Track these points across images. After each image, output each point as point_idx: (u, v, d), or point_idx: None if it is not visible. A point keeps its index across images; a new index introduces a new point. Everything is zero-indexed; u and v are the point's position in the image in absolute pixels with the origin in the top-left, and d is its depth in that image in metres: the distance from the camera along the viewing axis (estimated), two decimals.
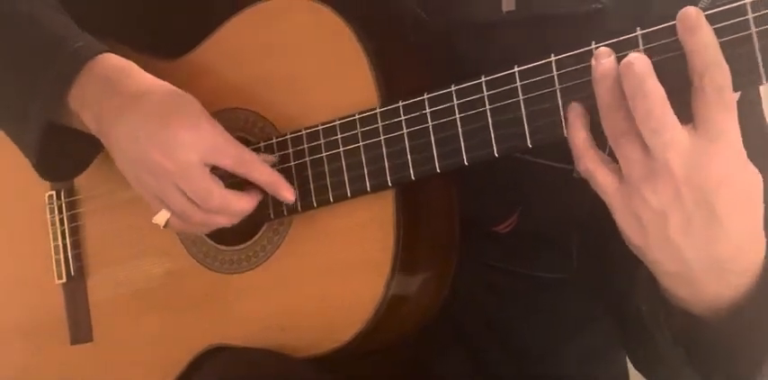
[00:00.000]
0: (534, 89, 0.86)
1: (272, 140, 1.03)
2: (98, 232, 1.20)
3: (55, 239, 1.23)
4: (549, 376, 1.09)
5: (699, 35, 0.76)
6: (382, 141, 0.95)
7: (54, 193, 1.23)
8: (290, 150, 1.02)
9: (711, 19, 0.77)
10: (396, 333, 1.02)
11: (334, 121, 0.98)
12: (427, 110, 0.93)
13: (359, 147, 0.97)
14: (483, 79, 0.90)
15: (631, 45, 0.81)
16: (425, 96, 0.93)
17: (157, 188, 1.01)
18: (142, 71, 1.05)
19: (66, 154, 1.12)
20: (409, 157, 0.94)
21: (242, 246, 1.07)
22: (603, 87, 0.79)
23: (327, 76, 1.00)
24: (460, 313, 1.06)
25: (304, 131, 1.01)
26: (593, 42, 0.83)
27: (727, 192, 0.78)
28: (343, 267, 0.99)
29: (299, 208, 1.02)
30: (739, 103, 0.78)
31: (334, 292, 1.00)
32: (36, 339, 1.26)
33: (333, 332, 0.99)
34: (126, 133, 1.02)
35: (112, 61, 1.05)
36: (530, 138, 0.87)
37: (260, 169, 1.01)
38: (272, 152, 1.03)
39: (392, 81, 0.97)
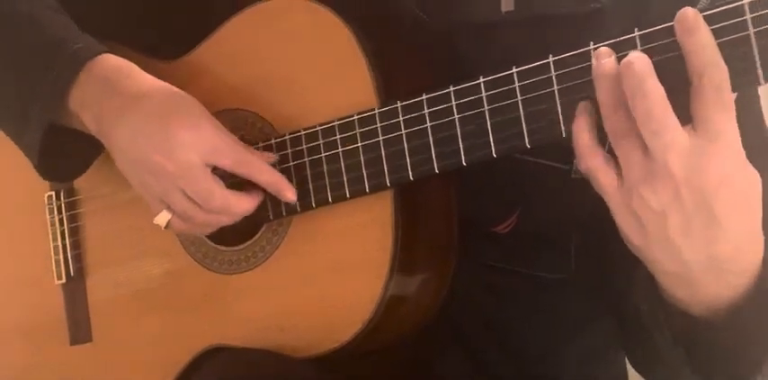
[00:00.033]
0: (533, 90, 0.86)
1: (270, 140, 1.03)
2: (98, 233, 1.20)
3: (54, 239, 1.23)
4: (548, 377, 1.09)
5: (697, 36, 0.77)
6: (381, 142, 0.96)
7: (53, 193, 1.23)
8: (289, 151, 1.02)
9: (709, 19, 0.77)
10: (395, 333, 1.02)
11: (333, 121, 0.98)
12: (426, 110, 0.93)
13: (357, 147, 0.97)
14: (481, 80, 0.90)
15: (630, 46, 0.81)
16: (424, 97, 0.93)
17: (159, 189, 1.01)
18: (142, 72, 1.05)
19: (67, 154, 1.12)
20: (408, 157, 0.94)
21: (241, 246, 1.07)
22: (604, 87, 0.80)
23: (326, 76, 1.00)
24: (459, 314, 1.06)
25: (303, 132, 1.01)
26: (592, 43, 0.83)
27: (726, 192, 0.78)
28: (342, 268, 0.99)
29: (298, 208, 1.02)
30: (738, 103, 0.78)
31: (333, 292, 1.00)
32: (36, 340, 1.26)
33: (332, 332, 0.99)
34: (126, 134, 1.02)
35: (112, 62, 1.05)
36: (528, 138, 0.87)
37: (261, 170, 1.01)
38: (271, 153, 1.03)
39: (391, 82, 0.97)
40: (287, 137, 1.02)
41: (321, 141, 0.99)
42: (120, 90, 1.03)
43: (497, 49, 1.00)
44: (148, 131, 1.00)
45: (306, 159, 1.01)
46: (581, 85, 0.84)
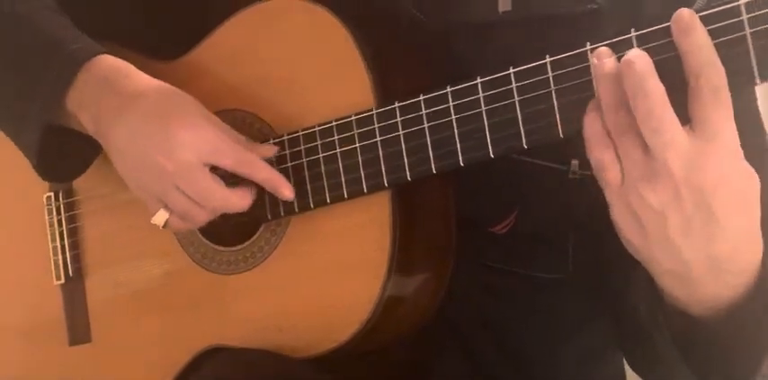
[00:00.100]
0: (530, 90, 0.87)
1: (269, 141, 1.03)
2: (97, 233, 1.20)
3: (53, 240, 1.23)
4: (545, 377, 1.09)
5: (693, 36, 0.77)
6: (378, 143, 0.96)
7: (52, 194, 1.23)
8: (287, 152, 1.02)
9: (706, 20, 0.78)
10: (393, 334, 1.02)
11: (331, 122, 0.99)
12: (423, 111, 0.93)
13: (355, 148, 0.97)
14: (479, 81, 0.90)
15: (626, 46, 0.81)
16: (421, 98, 0.93)
17: (158, 189, 1.01)
18: (140, 72, 1.05)
19: (65, 155, 1.12)
20: (405, 158, 0.94)
21: (239, 247, 1.07)
22: (605, 87, 0.80)
23: (324, 77, 1.00)
24: (457, 314, 1.06)
25: (301, 133, 1.01)
26: (588, 44, 0.84)
27: (725, 192, 0.78)
28: (341, 268, 0.99)
29: (297, 209, 1.02)
30: (735, 103, 0.78)
31: (332, 292, 1.00)
32: (35, 340, 1.27)
33: (330, 333, 0.99)
34: (125, 134, 1.02)
35: (110, 62, 1.06)
36: (525, 139, 0.87)
37: (259, 168, 1.01)
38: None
39: (389, 82, 0.98)
40: (285, 138, 1.02)
41: (319, 142, 1.00)
42: (118, 90, 1.03)
43: (495, 49, 1.00)
44: (147, 131, 1.00)
45: (304, 160, 1.01)
46: (578, 86, 0.84)
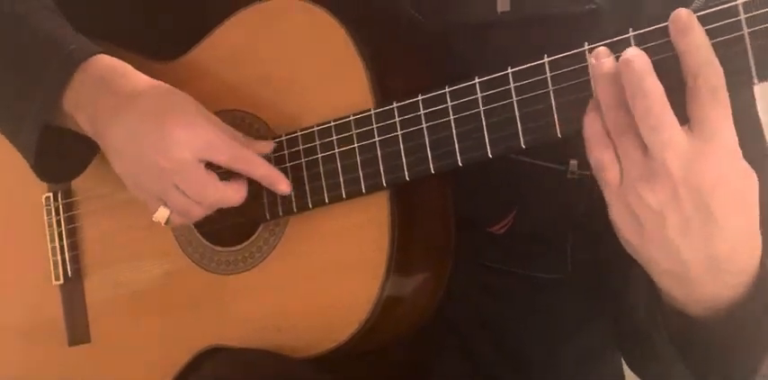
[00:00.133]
0: (528, 90, 0.87)
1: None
2: (95, 234, 1.20)
3: (52, 240, 1.23)
4: (545, 377, 1.09)
5: (691, 36, 0.77)
6: (377, 143, 0.96)
7: (51, 194, 1.23)
8: (286, 152, 1.02)
9: (703, 20, 0.78)
10: (391, 334, 1.02)
11: (330, 122, 0.99)
12: (421, 111, 0.93)
13: (354, 148, 0.97)
14: (477, 81, 0.90)
15: (625, 46, 0.81)
16: (419, 98, 0.93)
17: (156, 187, 1.01)
18: (136, 71, 1.05)
19: (63, 155, 1.12)
20: (404, 158, 0.94)
21: (238, 247, 1.07)
22: (603, 86, 0.80)
23: (322, 77, 1.00)
24: (456, 314, 1.06)
25: (299, 133, 1.01)
26: (586, 43, 0.84)
27: (723, 192, 0.78)
28: (339, 268, 0.99)
29: (295, 209, 1.02)
30: (733, 103, 0.78)
31: (330, 292, 1.00)
32: (34, 340, 1.27)
33: (329, 333, 0.99)
34: (122, 133, 1.02)
35: (106, 62, 1.06)
36: (524, 139, 0.87)
37: (255, 164, 1.01)
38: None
39: (387, 82, 0.98)
40: (283, 138, 1.02)
41: (317, 142, 1.00)
42: (114, 89, 1.03)
43: (493, 49, 1.01)
44: (144, 130, 1.00)
45: (302, 160, 1.01)
46: (576, 86, 0.84)
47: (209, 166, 1.01)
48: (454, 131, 0.91)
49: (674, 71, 0.78)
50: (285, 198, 1.02)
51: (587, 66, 0.82)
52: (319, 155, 1.00)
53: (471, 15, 1.02)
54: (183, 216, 1.03)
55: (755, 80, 0.77)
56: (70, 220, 1.22)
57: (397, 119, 0.94)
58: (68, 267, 1.22)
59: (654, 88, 0.77)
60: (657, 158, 0.77)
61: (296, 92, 1.02)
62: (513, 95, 0.87)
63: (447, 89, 0.92)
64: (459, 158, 0.91)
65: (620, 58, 0.78)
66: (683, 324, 0.87)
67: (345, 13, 1.00)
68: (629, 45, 0.81)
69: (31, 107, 1.07)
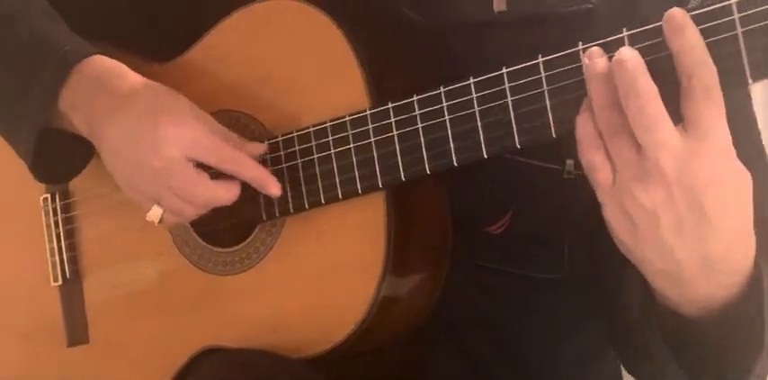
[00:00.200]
0: (523, 90, 0.87)
1: (264, 141, 1.03)
2: (93, 234, 1.20)
3: (51, 241, 1.23)
4: (542, 377, 1.09)
5: (685, 36, 0.77)
6: (373, 143, 0.96)
7: (49, 196, 1.23)
8: (282, 153, 1.02)
9: (697, 19, 0.77)
10: (388, 334, 1.02)
11: (326, 122, 0.99)
12: (417, 112, 0.93)
13: (350, 149, 0.97)
14: (472, 81, 0.90)
15: (618, 46, 0.80)
16: (415, 98, 0.93)
17: (151, 189, 1.01)
18: (132, 72, 1.05)
19: (61, 156, 1.12)
20: (399, 158, 0.94)
21: (235, 248, 1.07)
22: (596, 86, 0.80)
23: (318, 77, 1.00)
24: (453, 314, 1.06)
25: (295, 133, 1.01)
26: (580, 43, 0.84)
27: (717, 192, 0.78)
28: (336, 269, 1.00)
29: (291, 210, 1.02)
30: (728, 103, 0.78)
31: (327, 293, 1.00)
32: (33, 341, 1.27)
33: (325, 333, 0.99)
34: (117, 134, 1.02)
35: (102, 63, 1.06)
36: (518, 139, 0.87)
37: (245, 166, 1.01)
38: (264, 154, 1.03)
39: (383, 82, 0.98)
40: (279, 138, 1.02)
41: (313, 143, 1.00)
42: (110, 90, 1.03)
43: (490, 49, 1.01)
44: (139, 131, 1.00)
45: (299, 161, 1.01)
46: (571, 86, 0.84)
47: (202, 166, 1.01)
48: (449, 131, 0.91)
49: (669, 71, 0.78)
50: (281, 199, 1.02)
51: (582, 66, 0.82)
52: (315, 156, 1.00)
53: (468, 15, 1.02)
54: (176, 215, 1.03)
55: (750, 80, 0.77)
56: (68, 221, 1.22)
57: (392, 119, 0.94)
58: (67, 268, 1.22)
59: (647, 88, 0.77)
60: (651, 158, 0.77)
61: (292, 92, 1.02)
62: (508, 95, 0.87)
63: (442, 89, 0.92)
64: (454, 159, 0.91)
65: (614, 58, 0.78)
66: (676, 324, 0.87)
67: (341, 12, 1.00)
68: (623, 45, 0.81)
69: (28, 108, 1.08)
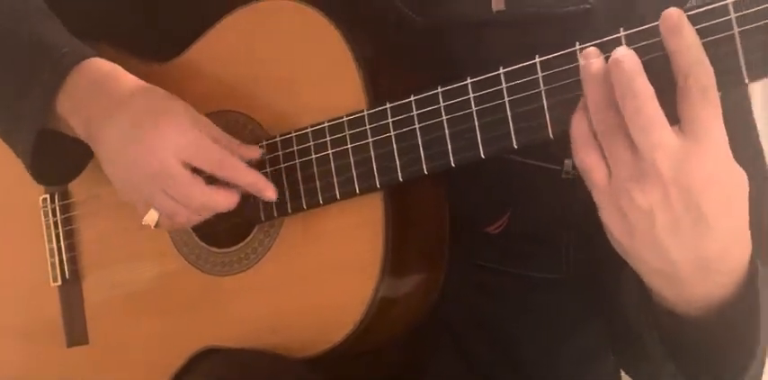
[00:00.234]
0: (520, 91, 0.87)
1: (261, 142, 1.03)
2: (92, 235, 1.20)
3: (50, 242, 1.23)
4: (541, 377, 1.09)
5: (681, 36, 0.77)
6: (370, 143, 0.96)
7: (48, 196, 1.24)
8: (280, 153, 1.02)
9: (693, 19, 0.77)
10: (386, 334, 1.02)
11: (323, 123, 0.99)
12: (414, 112, 0.93)
13: (347, 149, 0.97)
14: (469, 81, 0.90)
15: (615, 46, 0.80)
16: (412, 98, 0.93)
17: (146, 191, 1.01)
18: (129, 74, 1.06)
19: (59, 158, 1.13)
20: (397, 158, 0.94)
21: (233, 248, 1.07)
22: (592, 87, 0.79)
23: (316, 77, 1.00)
24: (452, 313, 1.06)
25: (293, 134, 1.01)
26: (578, 43, 0.83)
27: (714, 192, 0.78)
28: (334, 269, 1.00)
29: (289, 210, 1.02)
30: (725, 102, 0.77)
31: (325, 293, 1.00)
32: (34, 342, 1.27)
33: (324, 334, 0.99)
34: (114, 137, 1.02)
35: (99, 65, 1.06)
36: (516, 139, 0.87)
37: (239, 171, 1.01)
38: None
39: (380, 82, 0.98)
40: (277, 139, 1.02)
41: (311, 143, 1.00)
42: (107, 93, 1.04)
43: (489, 48, 1.00)
44: (136, 135, 1.00)
45: (296, 161, 1.01)
46: (568, 86, 0.84)
47: (199, 171, 1.01)
48: (447, 131, 0.91)
49: (665, 71, 0.78)
50: (279, 199, 1.02)
51: (578, 65, 0.82)
52: (313, 156, 0.99)
53: (466, 14, 1.02)
54: (171, 219, 1.03)
55: (746, 80, 0.77)
56: (68, 221, 1.22)
57: (390, 120, 0.94)
58: (66, 269, 1.22)
59: (644, 88, 0.77)
60: (647, 159, 0.77)
61: (289, 92, 1.02)
62: (505, 96, 0.87)
63: (439, 89, 0.92)
64: (451, 159, 0.91)
65: (610, 58, 0.78)
66: (673, 324, 0.87)
67: (338, 13, 1.00)
68: (620, 45, 0.80)
69: (27, 109, 1.08)
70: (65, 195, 1.23)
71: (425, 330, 1.05)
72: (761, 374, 0.91)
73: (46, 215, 1.24)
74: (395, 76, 1.01)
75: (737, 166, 0.79)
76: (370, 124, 0.96)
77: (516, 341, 1.07)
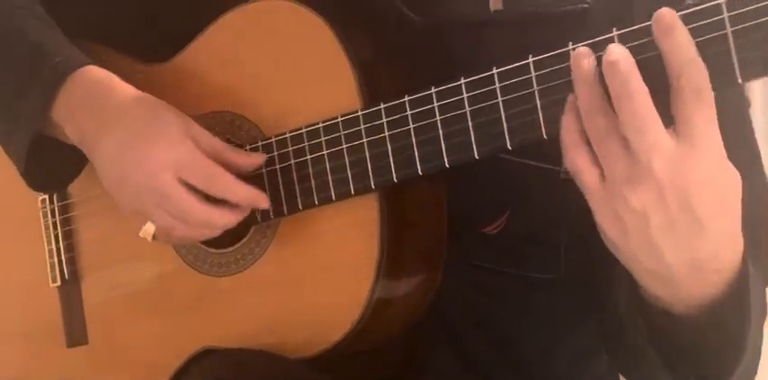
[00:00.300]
0: (513, 90, 0.86)
1: (257, 142, 1.03)
2: (91, 236, 1.21)
3: (49, 242, 1.23)
4: (539, 376, 1.08)
5: (673, 36, 0.76)
6: (365, 144, 0.95)
7: (47, 197, 1.24)
8: (275, 153, 1.02)
9: (686, 19, 0.77)
10: (384, 334, 1.02)
11: (318, 123, 0.98)
12: (408, 112, 0.93)
13: (342, 149, 0.97)
14: (462, 81, 0.90)
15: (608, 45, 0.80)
16: (406, 99, 0.93)
17: (140, 207, 1.02)
18: (123, 83, 1.06)
19: (53, 165, 1.13)
20: (391, 159, 0.94)
21: (231, 248, 1.07)
22: (585, 88, 0.79)
23: (310, 77, 1.00)
24: (451, 313, 1.06)
25: (288, 134, 1.01)
26: (570, 43, 0.83)
27: (708, 193, 0.78)
28: (330, 269, 0.99)
29: (286, 211, 1.02)
30: (719, 102, 0.77)
31: (322, 294, 1.00)
32: (33, 342, 1.27)
33: (321, 334, 0.99)
34: (110, 150, 1.03)
35: (94, 74, 1.06)
36: (509, 139, 0.87)
37: (230, 188, 1.00)
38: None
39: (375, 83, 0.97)
40: (273, 139, 1.02)
41: (306, 143, 0.99)
42: (102, 102, 1.04)
43: (488, 48, 1.00)
44: (127, 151, 1.01)
45: (292, 162, 1.01)
46: (561, 86, 0.83)
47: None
48: (441, 131, 0.91)
49: (658, 71, 0.77)
50: (275, 200, 1.02)
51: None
52: (308, 156, 0.99)
53: (465, 14, 1.02)
54: (167, 234, 1.03)
55: (739, 79, 0.76)
56: (66, 222, 1.22)
57: (384, 120, 0.94)
58: (65, 269, 1.22)
59: (639, 89, 0.76)
60: (642, 161, 0.77)
61: (284, 93, 1.02)
62: (499, 96, 0.87)
63: (433, 90, 0.91)
64: (446, 160, 0.91)
65: (604, 58, 0.77)
66: (669, 324, 0.87)
67: (335, 13, 1.00)
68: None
69: (21, 119, 1.08)
70: (64, 196, 1.23)
71: (424, 329, 1.04)
72: (754, 373, 0.91)
73: (45, 216, 1.24)
74: (391, 76, 1.00)
75: (731, 166, 0.79)
76: (364, 124, 0.95)
77: (514, 340, 1.07)
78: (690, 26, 0.76)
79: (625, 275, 0.87)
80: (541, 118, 0.84)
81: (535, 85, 0.85)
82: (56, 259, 1.22)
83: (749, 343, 0.86)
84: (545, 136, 0.85)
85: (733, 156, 0.79)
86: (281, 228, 1.03)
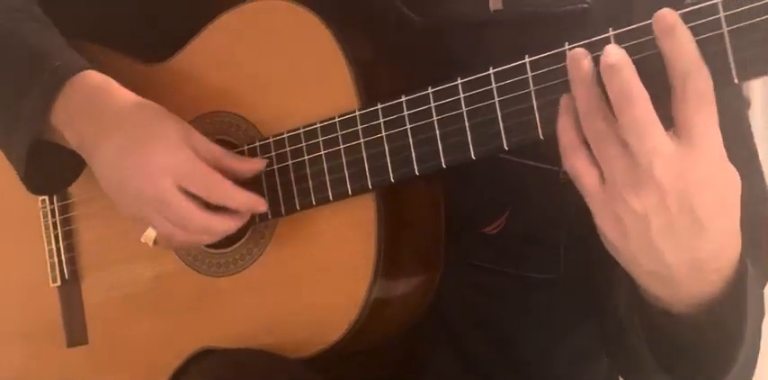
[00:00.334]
0: (509, 91, 0.86)
1: (255, 143, 1.03)
2: (91, 236, 1.21)
3: (49, 242, 1.23)
4: (539, 376, 1.08)
5: (675, 37, 0.75)
6: (362, 144, 0.95)
7: (47, 197, 1.24)
8: (273, 154, 1.02)
9: (684, 18, 0.76)
10: (381, 334, 1.02)
11: (315, 123, 0.98)
12: (405, 112, 0.93)
13: (339, 150, 0.97)
14: (459, 81, 0.89)
15: (604, 45, 0.79)
16: (403, 99, 0.93)
17: (143, 212, 1.02)
18: (122, 88, 1.06)
19: (52, 169, 1.13)
20: (388, 159, 0.94)
21: (229, 249, 1.07)
22: (582, 89, 0.79)
23: (308, 78, 1.00)
24: (450, 313, 1.05)
25: (285, 135, 1.01)
26: (567, 43, 0.83)
27: (708, 194, 0.78)
28: (328, 270, 0.99)
29: (284, 212, 1.02)
30: (717, 102, 0.77)
31: (319, 294, 1.00)
32: (34, 342, 1.27)
33: (319, 334, 0.99)
34: (109, 156, 1.03)
35: (93, 78, 1.06)
36: (506, 139, 0.87)
37: (228, 195, 1.00)
38: (256, 156, 1.03)
39: (373, 83, 0.97)
40: (270, 140, 1.02)
41: (304, 144, 0.99)
42: (100, 107, 1.04)
43: (488, 48, 1.00)
44: (126, 158, 1.01)
45: (289, 162, 1.01)
46: (558, 86, 0.83)
47: None
48: (437, 131, 0.91)
49: (656, 71, 0.77)
50: (273, 201, 1.02)
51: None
52: (306, 157, 0.99)
53: (464, 14, 1.02)
54: (168, 240, 1.03)
55: (735, 79, 0.76)
56: (66, 222, 1.22)
57: (381, 120, 0.94)
58: (65, 269, 1.22)
59: (639, 93, 0.76)
60: (643, 164, 0.76)
61: (281, 93, 1.02)
62: (495, 96, 0.87)
63: (430, 90, 0.91)
64: (442, 160, 0.91)
65: (602, 60, 0.77)
66: (669, 324, 0.87)
67: (333, 13, 0.99)
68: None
69: (20, 123, 1.08)
70: (64, 196, 1.23)
71: (423, 329, 1.04)
72: (752, 374, 0.91)
73: (45, 216, 1.24)
74: (391, 76, 1.00)
75: (731, 166, 0.79)
76: (361, 124, 0.95)
77: (514, 341, 1.07)
78: (687, 25, 0.76)
79: (625, 278, 0.87)
80: (538, 118, 0.84)
81: (531, 85, 0.84)
82: (56, 259, 1.22)
83: (746, 341, 0.85)
84: (541, 136, 0.84)
85: (731, 155, 0.79)
86: (278, 228, 1.03)
